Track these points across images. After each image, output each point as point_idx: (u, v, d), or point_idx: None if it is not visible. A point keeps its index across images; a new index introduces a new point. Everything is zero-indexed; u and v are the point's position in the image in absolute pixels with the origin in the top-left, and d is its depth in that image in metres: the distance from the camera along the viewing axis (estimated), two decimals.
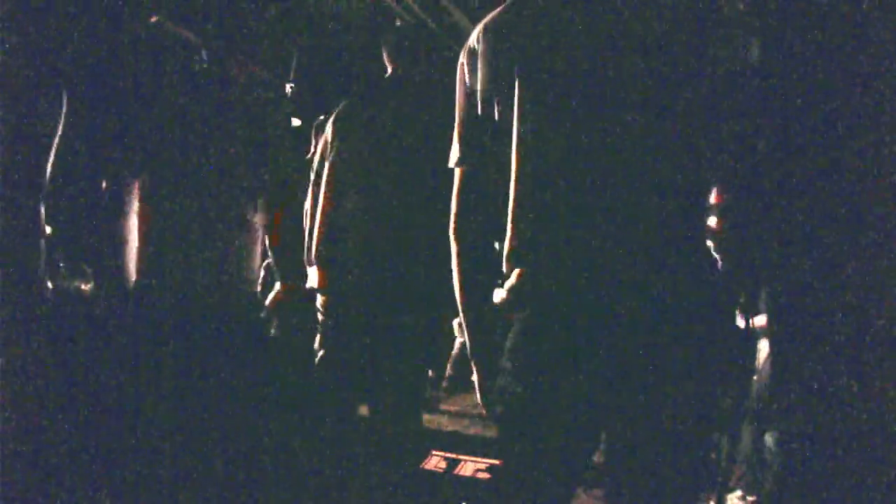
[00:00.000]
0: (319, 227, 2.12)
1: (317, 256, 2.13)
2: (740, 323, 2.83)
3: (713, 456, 2.52)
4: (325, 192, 2.12)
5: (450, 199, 1.22)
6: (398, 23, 2.20)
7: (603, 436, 1.11)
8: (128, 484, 1.69)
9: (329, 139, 2.16)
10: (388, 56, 2.20)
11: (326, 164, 2.14)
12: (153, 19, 2.00)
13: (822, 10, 1.45)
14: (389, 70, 2.21)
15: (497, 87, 1.12)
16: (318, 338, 2.23)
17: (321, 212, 2.12)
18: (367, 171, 2.08)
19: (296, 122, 3.88)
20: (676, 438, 1.06)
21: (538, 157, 1.07)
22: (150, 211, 1.77)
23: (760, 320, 2.84)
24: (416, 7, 4.11)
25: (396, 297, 2.08)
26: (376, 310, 2.09)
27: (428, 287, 2.08)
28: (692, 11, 1.06)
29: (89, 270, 1.74)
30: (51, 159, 1.33)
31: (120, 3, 1.88)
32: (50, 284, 1.56)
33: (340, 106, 2.19)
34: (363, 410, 2.33)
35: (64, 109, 1.36)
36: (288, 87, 4.08)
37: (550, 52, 1.07)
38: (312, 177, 2.25)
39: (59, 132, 1.33)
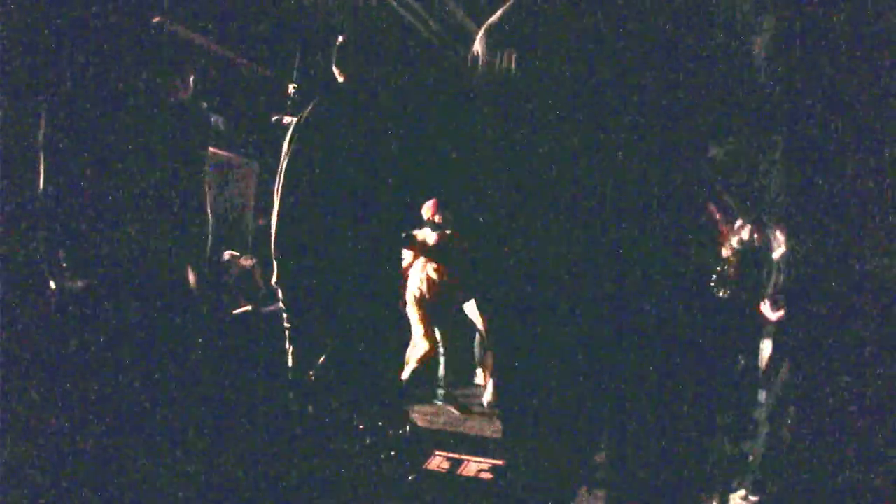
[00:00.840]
0: (276, 225, 2.23)
1: (274, 253, 2.24)
2: (745, 323, 2.82)
3: (716, 456, 2.51)
4: (279, 192, 2.23)
5: (398, 199, 1.29)
6: (340, 39, 2.30)
7: (606, 436, 1.10)
8: (129, 482, 1.69)
9: (286, 142, 2.28)
10: (336, 67, 2.33)
11: (282, 166, 2.25)
12: (155, 20, 2.00)
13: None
14: (340, 80, 2.34)
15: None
16: (286, 333, 2.31)
17: (276, 210, 2.23)
18: (316, 173, 2.18)
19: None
20: (679, 438, 1.05)
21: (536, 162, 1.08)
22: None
23: (764, 320, 2.83)
24: (416, 6, 4.11)
25: (346, 295, 2.17)
26: (327, 306, 2.19)
27: (376, 285, 2.19)
28: (691, 17, 1.05)
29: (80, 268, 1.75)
30: (41, 160, 1.33)
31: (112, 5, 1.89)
32: (52, 284, 1.56)
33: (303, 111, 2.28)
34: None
35: (44, 111, 1.37)
36: (291, 88, 4.08)
37: (545, 55, 1.07)
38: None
39: (42, 133, 1.34)
